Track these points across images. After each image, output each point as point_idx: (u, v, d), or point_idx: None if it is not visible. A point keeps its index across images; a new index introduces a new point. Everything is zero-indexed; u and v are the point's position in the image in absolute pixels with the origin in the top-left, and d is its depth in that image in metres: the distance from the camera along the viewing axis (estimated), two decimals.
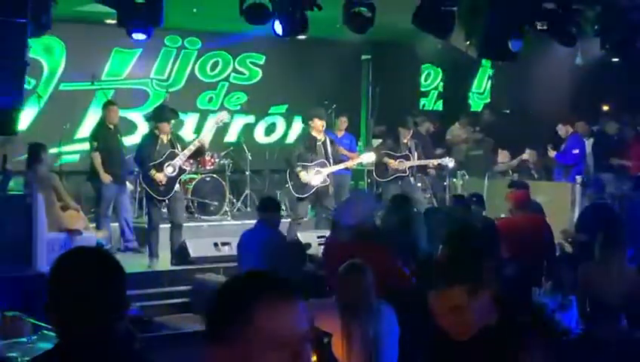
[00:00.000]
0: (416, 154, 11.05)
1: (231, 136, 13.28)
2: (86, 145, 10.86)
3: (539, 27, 9.12)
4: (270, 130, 14.06)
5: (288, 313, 1.68)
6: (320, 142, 9.88)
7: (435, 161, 11.43)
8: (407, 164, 10.94)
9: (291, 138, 13.83)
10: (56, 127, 11.19)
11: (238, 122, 13.60)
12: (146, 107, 12.66)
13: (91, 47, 12.15)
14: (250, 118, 13.84)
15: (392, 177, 10.93)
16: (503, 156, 12.87)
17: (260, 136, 13.98)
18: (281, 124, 14.18)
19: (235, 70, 13.70)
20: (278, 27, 8.39)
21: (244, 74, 13.77)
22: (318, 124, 9.84)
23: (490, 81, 15.74)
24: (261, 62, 13.78)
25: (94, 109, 12.21)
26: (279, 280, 1.73)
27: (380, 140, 12.21)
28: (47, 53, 11.89)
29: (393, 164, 10.91)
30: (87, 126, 11.99)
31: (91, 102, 12.31)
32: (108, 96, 11.58)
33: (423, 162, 11.15)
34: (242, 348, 1.65)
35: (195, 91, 13.42)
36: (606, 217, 7.76)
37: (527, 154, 12.31)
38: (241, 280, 1.76)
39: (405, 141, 11.07)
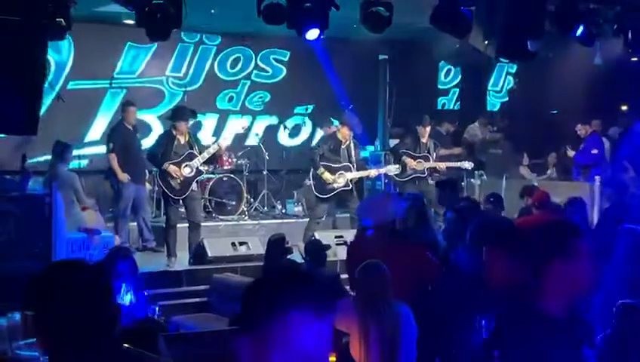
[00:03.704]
0: (435, 155, 11.03)
1: (252, 140, 12.74)
2: (97, 149, 10.87)
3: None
4: (295, 132, 13.52)
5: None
6: (344, 146, 9.95)
7: (455, 164, 11.38)
8: (427, 164, 10.92)
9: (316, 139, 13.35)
10: (66, 128, 10.73)
11: (261, 124, 13.10)
12: (161, 108, 12.32)
13: (102, 43, 11.59)
14: (273, 120, 13.23)
15: (409, 177, 10.91)
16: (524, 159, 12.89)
17: (284, 138, 13.42)
18: (307, 126, 13.53)
19: (257, 67, 13.07)
20: (313, 33, 8.43)
21: (267, 71, 13.17)
22: (347, 133, 9.90)
23: (512, 80, 15.63)
24: (285, 59, 13.18)
25: (106, 109, 11.95)
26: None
27: (398, 140, 12.20)
28: (54, 51, 11.13)
29: (412, 164, 10.89)
30: (99, 128, 11.81)
31: (102, 103, 11.90)
32: (120, 96, 11.50)
33: (442, 164, 11.10)
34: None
35: (215, 90, 12.92)
36: (627, 218, 7.69)
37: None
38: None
39: (424, 141, 11.06)
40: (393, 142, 12.59)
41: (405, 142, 11.40)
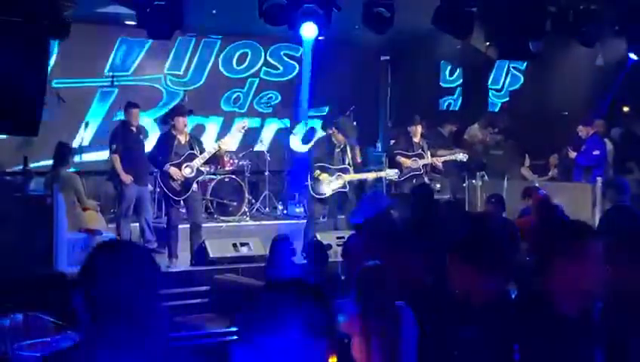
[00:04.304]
0: (429, 153, 11.09)
1: (262, 146, 12.05)
2: (89, 156, 10.76)
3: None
4: (308, 137, 12.30)
5: None
6: (338, 150, 9.95)
7: (449, 157, 11.41)
8: (422, 162, 11.01)
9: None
10: (56, 131, 9.87)
11: (271, 127, 12.49)
12: (160, 110, 11.80)
13: (91, 37, 10.69)
14: (285, 122, 12.13)
15: (406, 176, 10.95)
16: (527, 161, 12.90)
17: (297, 144, 12.21)
18: (320, 130, 12.37)
19: (266, 64, 12.27)
20: (309, 29, 8.44)
21: (278, 68, 12.46)
22: (340, 138, 9.92)
23: (508, 81, 15.62)
24: (298, 55, 12.03)
25: (95, 110, 11.44)
26: None
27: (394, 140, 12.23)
28: None
29: (407, 163, 10.95)
30: (88, 131, 11.32)
31: (92, 103, 11.36)
32: (112, 96, 11.27)
33: (437, 159, 11.15)
34: None
35: (219, 90, 12.25)
36: (629, 220, 7.66)
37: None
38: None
39: (417, 140, 11.13)
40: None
41: (398, 143, 11.46)
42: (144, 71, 11.61)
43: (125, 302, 2.18)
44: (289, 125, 12.13)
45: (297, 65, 12.10)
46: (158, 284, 2.29)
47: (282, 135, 12.25)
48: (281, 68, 12.35)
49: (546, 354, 2.64)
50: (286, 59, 12.39)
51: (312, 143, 10.43)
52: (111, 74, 11.30)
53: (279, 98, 12.31)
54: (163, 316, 2.30)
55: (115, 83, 11.33)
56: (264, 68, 12.24)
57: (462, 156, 11.37)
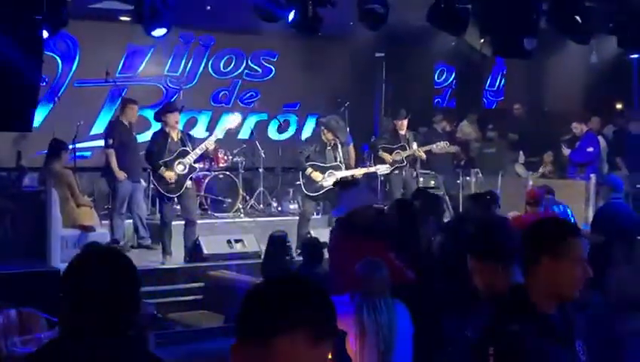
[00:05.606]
0: (414, 144, 11.08)
1: (244, 133, 13.17)
2: (100, 142, 10.87)
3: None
4: (283, 127, 13.90)
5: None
6: (330, 148, 9.94)
7: (430, 147, 11.42)
8: (404, 153, 11.03)
9: (305, 135, 13.69)
10: (70, 124, 10.89)
11: (252, 119, 13.49)
12: (161, 104, 12.58)
13: (105, 44, 12.04)
14: (263, 116, 13.73)
15: (391, 169, 10.98)
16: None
17: (273, 133, 13.87)
18: (294, 122, 14.09)
19: (248, 67, 13.65)
20: (291, 16, 8.46)
21: (258, 71, 13.72)
22: (330, 137, 9.90)
23: (503, 79, 15.68)
24: (274, 60, 13.73)
25: (108, 106, 12.34)
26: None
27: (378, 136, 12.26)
28: (61, 51, 11.86)
29: (388, 158, 10.98)
30: (102, 123, 12.04)
31: (105, 99, 12.32)
32: (122, 94, 11.57)
33: (419, 150, 11.15)
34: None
35: (209, 88, 13.36)
36: (622, 216, 7.68)
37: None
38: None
39: (403, 133, 11.14)
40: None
41: (384, 137, 11.49)
42: (148, 72, 12.85)
43: (105, 303, 2.19)
44: (267, 117, 13.67)
45: (274, 69, 13.81)
46: (136, 287, 2.29)
47: (262, 126, 13.65)
48: (260, 70, 13.81)
49: (526, 352, 2.62)
50: (264, 63, 13.78)
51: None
52: (114, 78, 11.95)
53: (259, 95, 13.59)
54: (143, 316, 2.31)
55: (124, 83, 12.28)
56: (246, 70, 13.70)
57: (443, 143, 11.42)
